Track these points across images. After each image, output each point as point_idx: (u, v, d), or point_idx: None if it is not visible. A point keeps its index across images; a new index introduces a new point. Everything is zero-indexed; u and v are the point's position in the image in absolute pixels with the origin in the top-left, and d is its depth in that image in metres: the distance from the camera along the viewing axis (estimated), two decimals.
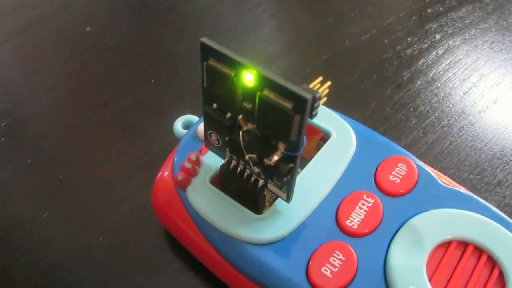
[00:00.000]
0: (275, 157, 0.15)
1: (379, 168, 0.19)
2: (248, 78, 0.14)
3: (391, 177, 0.19)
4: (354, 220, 0.18)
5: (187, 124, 0.23)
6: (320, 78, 0.17)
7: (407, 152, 0.20)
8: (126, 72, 0.30)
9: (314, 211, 0.18)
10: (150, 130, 0.26)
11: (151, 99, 0.28)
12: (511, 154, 0.25)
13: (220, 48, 0.14)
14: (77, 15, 0.34)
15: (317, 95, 0.14)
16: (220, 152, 0.18)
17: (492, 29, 0.32)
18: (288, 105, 0.14)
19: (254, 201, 0.18)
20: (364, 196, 0.18)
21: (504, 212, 0.22)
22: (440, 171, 0.23)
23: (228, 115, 0.16)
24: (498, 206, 0.22)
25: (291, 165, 0.15)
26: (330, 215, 0.18)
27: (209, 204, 0.18)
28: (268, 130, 0.15)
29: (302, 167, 0.19)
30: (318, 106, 0.15)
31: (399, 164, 0.19)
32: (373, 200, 0.18)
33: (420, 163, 0.20)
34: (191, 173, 0.19)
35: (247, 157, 0.16)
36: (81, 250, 0.22)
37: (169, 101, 0.28)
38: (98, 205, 0.23)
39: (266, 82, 0.14)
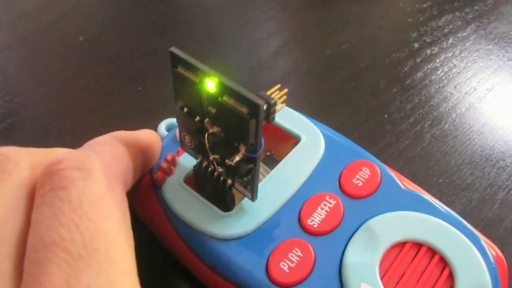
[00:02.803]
0: (236, 158, 0.16)
1: (344, 171, 0.20)
2: (210, 84, 0.15)
3: (354, 180, 0.20)
4: (315, 219, 0.19)
5: (170, 126, 0.25)
6: (278, 86, 0.18)
7: (373, 157, 0.21)
8: (115, 80, 0.31)
9: (279, 210, 0.19)
10: None
11: (137, 106, 0.29)
12: (480, 159, 0.26)
13: (186, 57, 0.16)
14: (71, 25, 0.35)
15: (272, 102, 0.16)
16: (193, 153, 0.19)
17: (470, 38, 0.33)
18: (244, 110, 0.15)
19: (223, 199, 0.19)
20: (327, 197, 0.19)
21: (470, 214, 0.23)
22: (409, 176, 0.24)
23: (197, 118, 0.17)
24: (464, 209, 0.24)
25: (251, 165, 0.17)
26: (294, 214, 0.19)
27: (181, 201, 0.19)
28: (230, 133, 0.16)
29: (272, 169, 0.20)
30: (274, 111, 0.16)
31: (363, 168, 0.20)
32: (334, 201, 0.19)
33: (384, 167, 0.21)
34: (167, 172, 0.20)
35: (211, 157, 0.17)
36: None
37: (154, 107, 0.29)
38: None
39: (225, 89, 0.15)
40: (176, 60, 0.16)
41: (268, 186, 0.19)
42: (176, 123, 0.19)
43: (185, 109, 0.17)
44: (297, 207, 0.19)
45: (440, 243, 0.18)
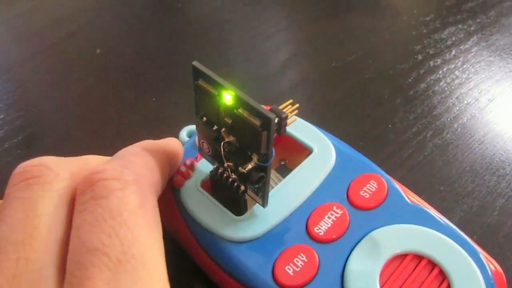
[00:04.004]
0: (249, 166, 0.18)
1: (352, 183, 0.21)
2: (227, 97, 0.17)
3: (361, 192, 0.21)
4: (322, 227, 0.20)
5: (191, 133, 0.26)
6: (290, 101, 0.19)
7: (381, 171, 0.22)
8: (130, 91, 0.33)
9: (288, 217, 0.20)
10: None
11: (152, 116, 0.31)
12: (481, 168, 0.27)
13: (207, 71, 0.17)
14: (88, 38, 0.37)
15: (283, 116, 0.17)
16: (210, 159, 0.20)
17: (473, 50, 0.34)
18: (257, 122, 0.16)
19: (236, 204, 0.20)
20: (334, 207, 0.20)
21: (470, 221, 0.24)
22: (412, 183, 0.25)
23: (215, 127, 0.18)
24: (464, 216, 0.25)
25: (262, 174, 0.18)
26: (302, 222, 0.20)
27: (197, 204, 0.21)
28: (244, 142, 0.17)
29: (284, 177, 0.22)
30: (286, 124, 0.17)
31: (371, 181, 0.21)
32: (341, 212, 0.20)
33: (392, 181, 0.21)
34: (185, 176, 0.21)
35: (226, 164, 0.19)
36: None
37: (168, 117, 0.31)
38: None
39: (240, 102, 0.16)
40: (197, 74, 0.17)
41: (279, 194, 0.21)
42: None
43: (204, 118, 0.19)
44: (305, 215, 0.20)
45: (440, 257, 0.18)
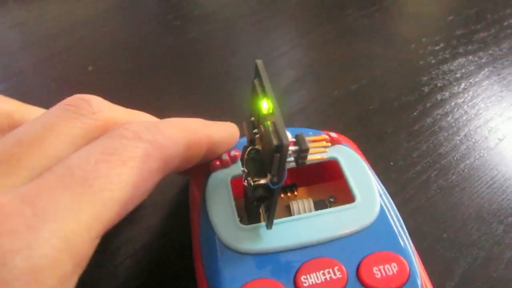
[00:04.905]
0: (260, 181, 0.17)
1: (372, 255, 0.18)
2: (264, 105, 0.16)
3: (375, 268, 0.18)
4: (309, 280, 0.18)
5: None
6: (326, 137, 0.18)
7: (414, 260, 0.18)
8: None
9: (287, 252, 0.19)
10: None
11: None
12: (488, 214, 0.25)
13: (262, 72, 0.17)
14: (81, 55, 0.36)
15: (303, 147, 0.16)
16: None
17: (483, 84, 0.32)
18: (274, 142, 0.15)
19: (247, 211, 0.20)
20: (336, 268, 0.18)
21: (475, 274, 0.22)
22: (413, 228, 0.23)
23: (255, 130, 0.18)
24: (469, 268, 0.23)
25: (266, 194, 0.17)
26: (295, 264, 0.18)
27: (215, 194, 0.21)
28: (265, 156, 0.16)
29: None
30: (305, 157, 0.16)
31: (393, 264, 0.18)
32: (340, 276, 0.18)
33: (418, 277, 0.18)
34: (223, 164, 0.21)
35: (242, 168, 0.18)
36: None
37: None
38: None
39: (272, 115, 0.16)
40: (256, 72, 0.17)
41: (294, 225, 0.19)
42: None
43: (252, 118, 0.18)
44: (303, 259, 0.18)
45: None
